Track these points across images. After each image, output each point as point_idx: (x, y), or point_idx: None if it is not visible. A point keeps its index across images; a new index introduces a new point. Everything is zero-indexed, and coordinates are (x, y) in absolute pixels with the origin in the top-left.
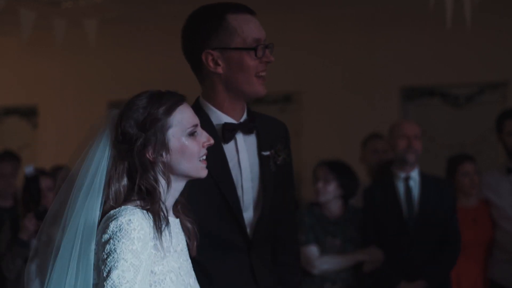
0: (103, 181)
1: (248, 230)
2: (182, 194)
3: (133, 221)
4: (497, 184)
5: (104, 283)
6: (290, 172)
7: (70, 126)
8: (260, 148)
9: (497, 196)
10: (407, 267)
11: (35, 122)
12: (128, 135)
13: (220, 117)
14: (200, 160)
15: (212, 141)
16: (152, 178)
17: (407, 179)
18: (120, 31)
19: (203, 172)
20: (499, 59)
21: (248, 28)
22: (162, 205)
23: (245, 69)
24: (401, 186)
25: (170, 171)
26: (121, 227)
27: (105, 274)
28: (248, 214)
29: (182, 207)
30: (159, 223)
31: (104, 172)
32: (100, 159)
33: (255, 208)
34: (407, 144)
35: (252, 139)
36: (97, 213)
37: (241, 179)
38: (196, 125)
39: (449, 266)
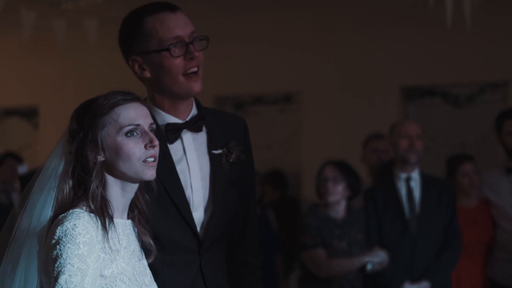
0: (57, 181)
1: (198, 229)
2: (145, 202)
3: (78, 226)
4: (497, 184)
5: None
6: (248, 169)
7: None
8: (211, 146)
9: (497, 196)
10: (410, 267)
11: (35, 123)
12: (72, 132)
13: (164, 118)
14: (143, 162)
15: (156, 143)
16: (90, 177)
17: (408, 180)
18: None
19: (146, 175)
20: (499, 59)
21: (164, 28)
22: (104, 204)
23: (167, 70)
24: (402, 187)
25: (109, 171)
26: (67, 232)
27: (53, 279)
28: (198, 214)
29: (140, 216)
30: (103, 222)
31: (59, 171)
32: (58, 158)
33: (206, 207)
34: (408, 144)
35: (201, 137)
36: (48, 213)
37: (190, 179)
38: (137, 125)
39: (451, 266)
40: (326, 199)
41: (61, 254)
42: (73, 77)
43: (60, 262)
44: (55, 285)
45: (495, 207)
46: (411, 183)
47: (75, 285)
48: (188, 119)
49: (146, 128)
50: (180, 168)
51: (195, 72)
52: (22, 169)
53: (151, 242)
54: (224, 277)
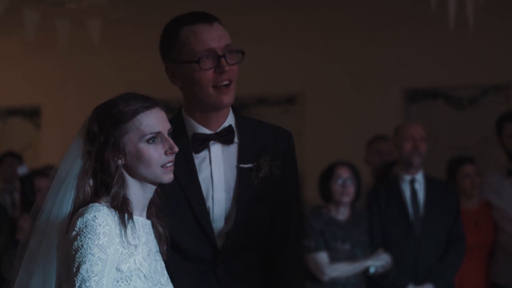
0: (75, 178)
1: (217, 240)
2: (158, 197)
3: (98, 217)
4: (498, 186)
5: (75, 278)
6: (289, 182)
7: (73, 126)
8: (240, 159)
9: (499, 198)
10: (414, 269)
11: (38, 123)
12: (91, 134)
13: (193, 127)
14: (162, 167)
15: (176, 149)
16: (109, 177)
17: (412, 182)
18: (123, 31)
19: (164, 178)
20: (502, 61)
21: (197, 40)
22: (124, 202)
23: (197, 82)
24: (406, 189)
25: (130, 173)
26: (87, 223)
27: (74, 269)
28: (218, 225)
29: (156, 210)
30: (123, 217)
31: (77, 169)
32: (75, 156)
33: (227, 219)
34: (413, 146)
35: (232, 149)
36: (67, 209)
37: (212, 190)
38: (158, 132)
39: (455, 268)
40: (340, 199)
41: (82, 245)
42: (75, 77)
43: (81, 253)
44: (77, 274)
45: (497, 210)
46: (415, 185)
47: (95, 274)
48: (218, 130)
49: (166, 134)
50: (203, 177)
51: (226, 85)
52: (22, 170)
53: (167, 235)
54: None
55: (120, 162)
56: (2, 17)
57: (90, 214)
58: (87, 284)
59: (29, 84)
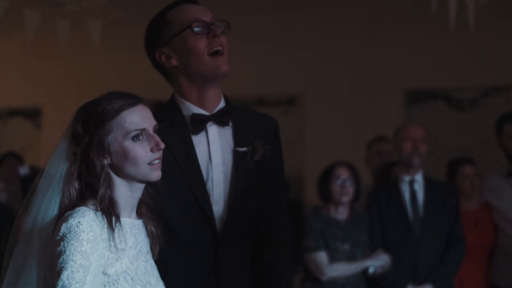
0: (61, 181)
1: (217, 224)
2: (148, 195)
3: (83, 223)
4: (498, 187)
5: (56, 283)
6: (277, 170)
7: None
8: (236, 142)
9: (498, 199)
10: (414, 270)
11: (39, 123)
12: (76, 135)
13: (190, 109)
14: (149, 164)
15: (162, 146)
16: (95, 178)
17: (412, 182)
18: (124, 32)
19: (152, 176)
20: (503, 62)
21: (184, 13)
22: (111, 204)
23: (192, 50)
24: (406, 189)
25: (117, 173)
26: (71, 229)
27: (55, 275)
28: (218, 207)
29: (147, 209)
30: (110, 220)
31: (63, 172)
32: (60, 159)
33: (227, 202)
34: (412, 147)
35: (227, 132)
36: (54, 212)
37: (212, 171)
38: (143, 129)
39: (454, 269)
40: (340, 200)
41: (64, 251)
42: (76, 78)
43: (63, 258)
44: (57, 280)
45: (497, 211)
46: (414, 185)
47: (76, 281)
48: (214, 111)
49: (151, 131)
50: (201, 159)
51: (220, 52)
52: (24, 170)
53: (159, 234)
54: (244, 277)
55: (105, 161)
56: (2, 18)
57: (74, 219)
58: None
59: (30, 85)
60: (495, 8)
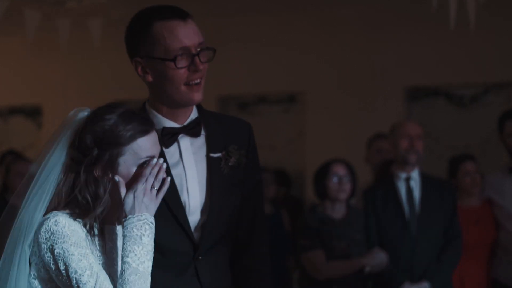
0: (54, 183)
1: (194, 233)
2: None
3: (60, 221)
4: (500, 185)
5: (69, 283)
6: (253, 173)
7: None
8: (209, 149)
9: (500, 197)
10: (410, 267)
11: (39, 122)
12: (83, 144)
13: (161, 122)
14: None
15: (168, 180)
16: (92, 193)
17: (408, 180)
18: (124, 31)
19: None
20: (504, 60)
21: (172, 37)
22: (93, 219)
23: (170, 79)
24: (402, 187)
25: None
26: (51, 230)
27: (65, 276)
28: (194, 218)
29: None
30: (87, 232)
31: (57, 174)
32: (57, 160)
33: (203, 211)
34: (409, 144)
35: (200, 141)
36: (40, 214)
37: (186, 183)
38: (152, 157)
39: (451, 267)
40: (337, 196)
41: (58, 253)
42: (76, 77)
43: (61, 259)
44: (70, 279)
45: (498, 208)
46: (410, 182)
47: (85, 269)
48: (186, 123)
49: (157, 156)
50: (176, 172)
51: (198, 83)
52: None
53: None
54: (225, 281)
55: (109, 185)
56: (3, 17)
57: (50, 220)
58: (84, 282)
59: (30, 84)
60: (495, 6)
